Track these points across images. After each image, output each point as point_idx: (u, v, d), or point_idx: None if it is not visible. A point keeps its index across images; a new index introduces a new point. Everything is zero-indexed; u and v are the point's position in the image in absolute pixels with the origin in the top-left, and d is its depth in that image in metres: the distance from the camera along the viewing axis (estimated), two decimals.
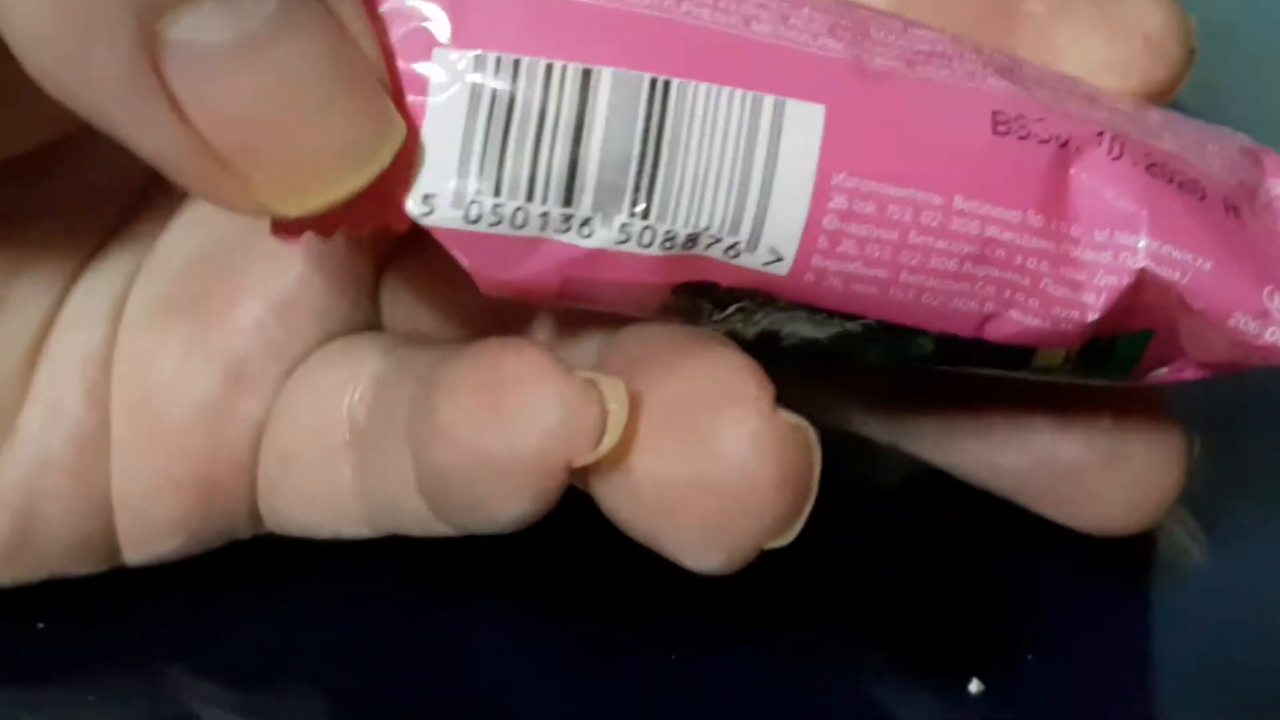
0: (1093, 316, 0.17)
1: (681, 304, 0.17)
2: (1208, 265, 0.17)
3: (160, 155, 0.15)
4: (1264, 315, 0.17)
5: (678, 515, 0.17)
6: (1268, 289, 0.17)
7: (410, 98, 0.16)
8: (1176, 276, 0.17)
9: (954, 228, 0.16)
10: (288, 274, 0.20)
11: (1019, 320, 0.17)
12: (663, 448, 0.17)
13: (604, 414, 0.16)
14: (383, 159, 0.15)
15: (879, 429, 0.22)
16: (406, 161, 0.16)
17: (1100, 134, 0.17)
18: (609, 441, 0.16)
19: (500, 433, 0.16)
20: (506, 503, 0.17)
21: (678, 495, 0.16)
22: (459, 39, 0.16)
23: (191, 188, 0.15)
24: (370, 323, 0.21)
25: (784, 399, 0.17)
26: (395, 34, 0.16)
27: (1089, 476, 0.21)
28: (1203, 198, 0.17)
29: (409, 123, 0.16)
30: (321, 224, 0.16)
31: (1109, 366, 0.18)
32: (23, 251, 0.20)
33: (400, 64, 0.16)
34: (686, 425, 0.16)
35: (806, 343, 0.18)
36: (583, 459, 0.16)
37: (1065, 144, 0.17)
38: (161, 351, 0.20)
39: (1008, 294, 0.17)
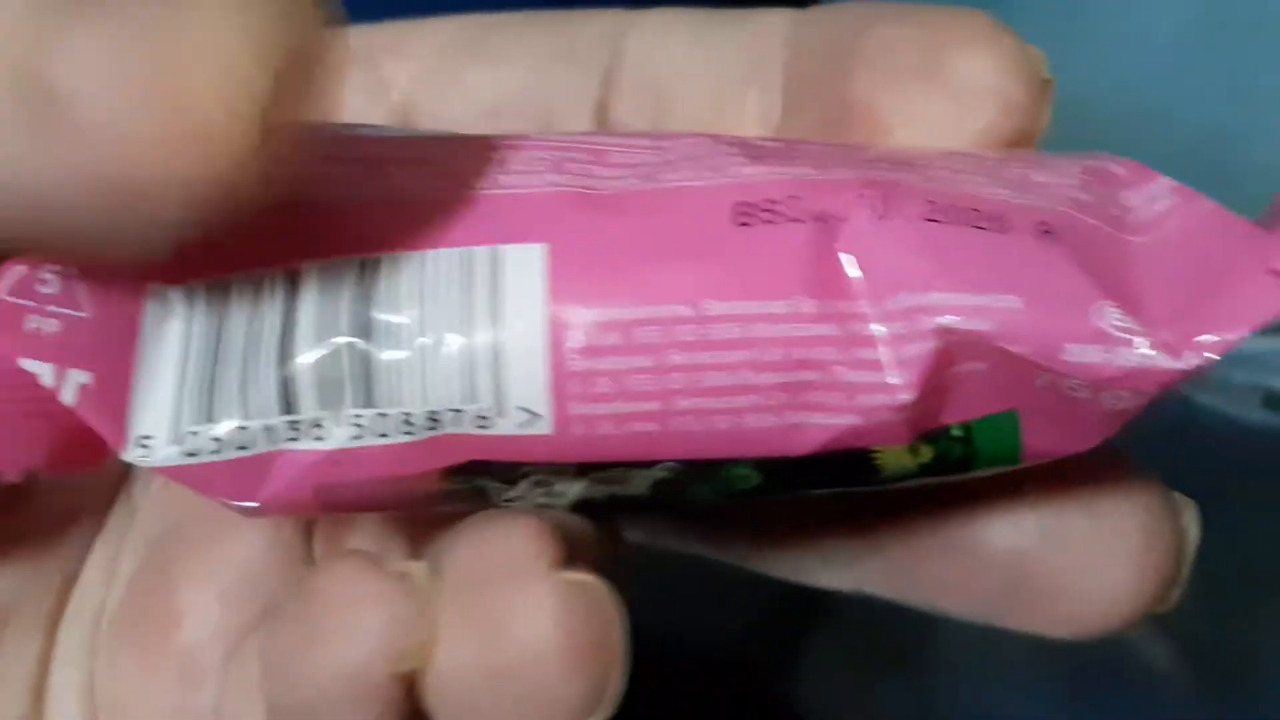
0: (906, 396, 0.15)
1: (461, 488, 0.16)
2: (1016, 303, 0.15)
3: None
4: (1100, 336, 0.15)
5: (482, 712, 0.15)
6: (1094, 305, 0.15)
7: (118, 339, 0.15)
8: (985, 325, 0.15)
9: (715, 336, 0.15)
10: (224, 561, 0.19)
11: (827, 422, 0.15)
12: (457, 637, 0.15)
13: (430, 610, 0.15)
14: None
15: (797, 567, 0.19)
16: (120, 409, 0.15)
17: (861, 196, 0.15)
18: (415, 637, 0.15)
19: (324, 655, 0.15)
20: None
21: (477, 689, 0.15)
22: (157, 273, 0.15)
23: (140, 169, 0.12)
24: None
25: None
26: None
27: (1030, 568, 0.17)
28: (1005, 231, 0.15)
29: (120, 368, 0.15)
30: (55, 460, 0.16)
31: (982, 460, 0.16)
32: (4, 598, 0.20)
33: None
34: (476, 607, 0.15)
35: (632, 499, 0.16)
36: (404, 663, 0.15)
37: (822, 217, 0.15)
38: (122, 666, 0.19)
39: (803, 396, 0.15)
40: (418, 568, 0.15)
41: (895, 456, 0.16)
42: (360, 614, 0.15)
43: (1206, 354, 0.15)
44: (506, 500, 0.16)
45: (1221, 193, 0.17)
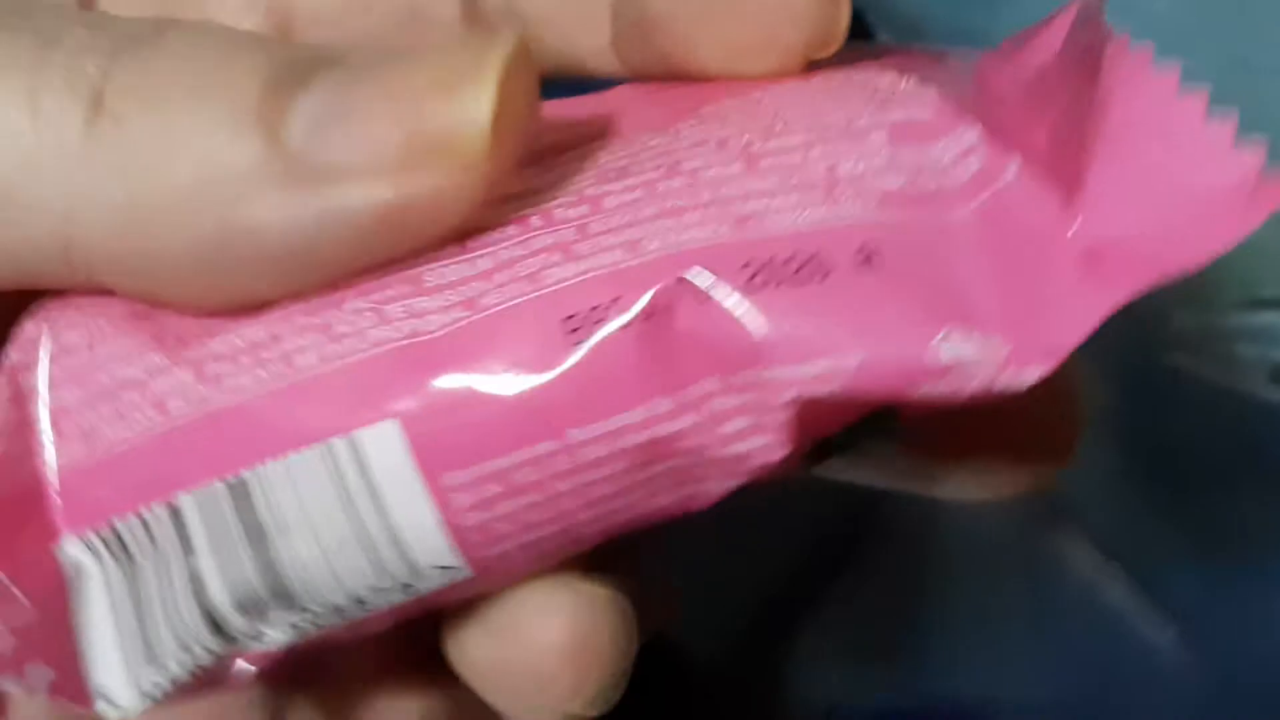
0: (780, 453, 0.15)
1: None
2: (854, 359, 0.15)
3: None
4: (946, 372, 0.15)
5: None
6: (933, 340, 0.15)
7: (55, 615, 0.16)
8: (832, 388, 0.15)
9: (588, 458, 0.15)
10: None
11: (717, 487, 0.16)
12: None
13: None
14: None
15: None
16: (78, 669, 0.16)
17: (681, 280, 0.15)
18: None
19: None
20: None
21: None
22: (68, 521, 0.16)
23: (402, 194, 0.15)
24: None
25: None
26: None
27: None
28: (826, 276, 0.15)
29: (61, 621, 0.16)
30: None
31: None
32: None
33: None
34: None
35: None
36: None
37: (650, 316, 0.15)
38: None
39: (688, 474, 0.16)
40: None
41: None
42: None
43: (1041, 373, 0.15)
44: None
45: None
